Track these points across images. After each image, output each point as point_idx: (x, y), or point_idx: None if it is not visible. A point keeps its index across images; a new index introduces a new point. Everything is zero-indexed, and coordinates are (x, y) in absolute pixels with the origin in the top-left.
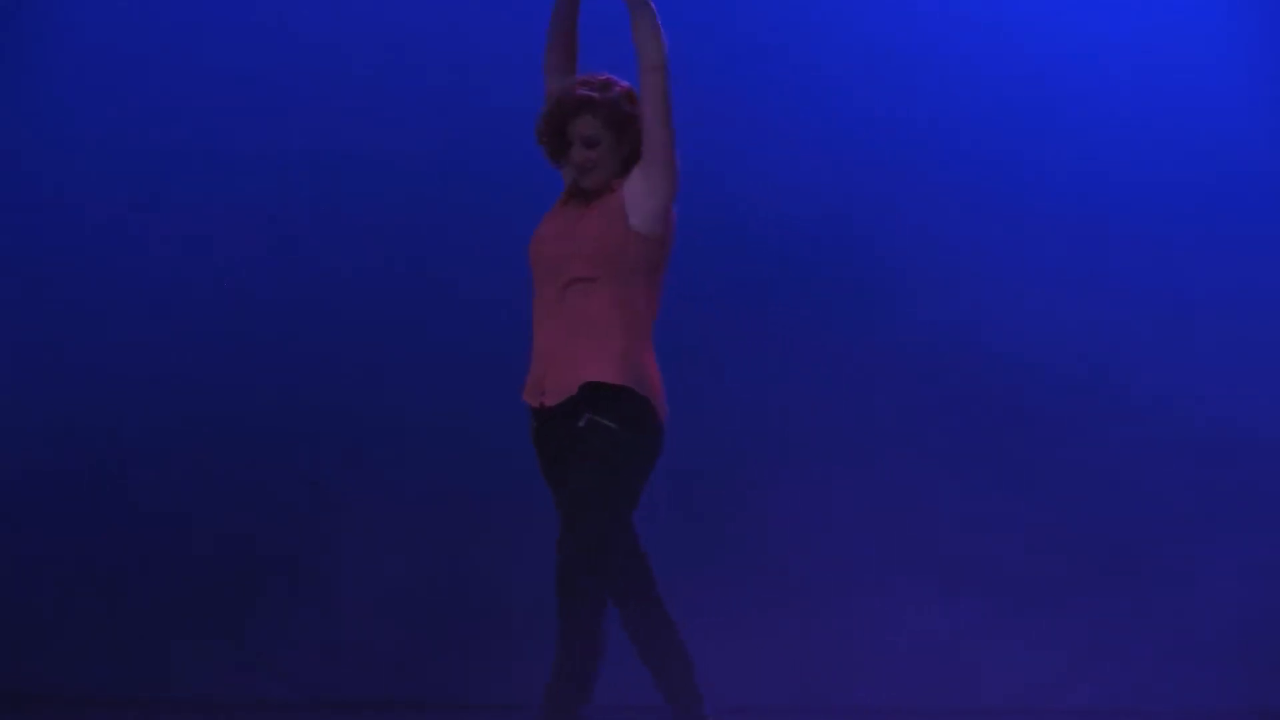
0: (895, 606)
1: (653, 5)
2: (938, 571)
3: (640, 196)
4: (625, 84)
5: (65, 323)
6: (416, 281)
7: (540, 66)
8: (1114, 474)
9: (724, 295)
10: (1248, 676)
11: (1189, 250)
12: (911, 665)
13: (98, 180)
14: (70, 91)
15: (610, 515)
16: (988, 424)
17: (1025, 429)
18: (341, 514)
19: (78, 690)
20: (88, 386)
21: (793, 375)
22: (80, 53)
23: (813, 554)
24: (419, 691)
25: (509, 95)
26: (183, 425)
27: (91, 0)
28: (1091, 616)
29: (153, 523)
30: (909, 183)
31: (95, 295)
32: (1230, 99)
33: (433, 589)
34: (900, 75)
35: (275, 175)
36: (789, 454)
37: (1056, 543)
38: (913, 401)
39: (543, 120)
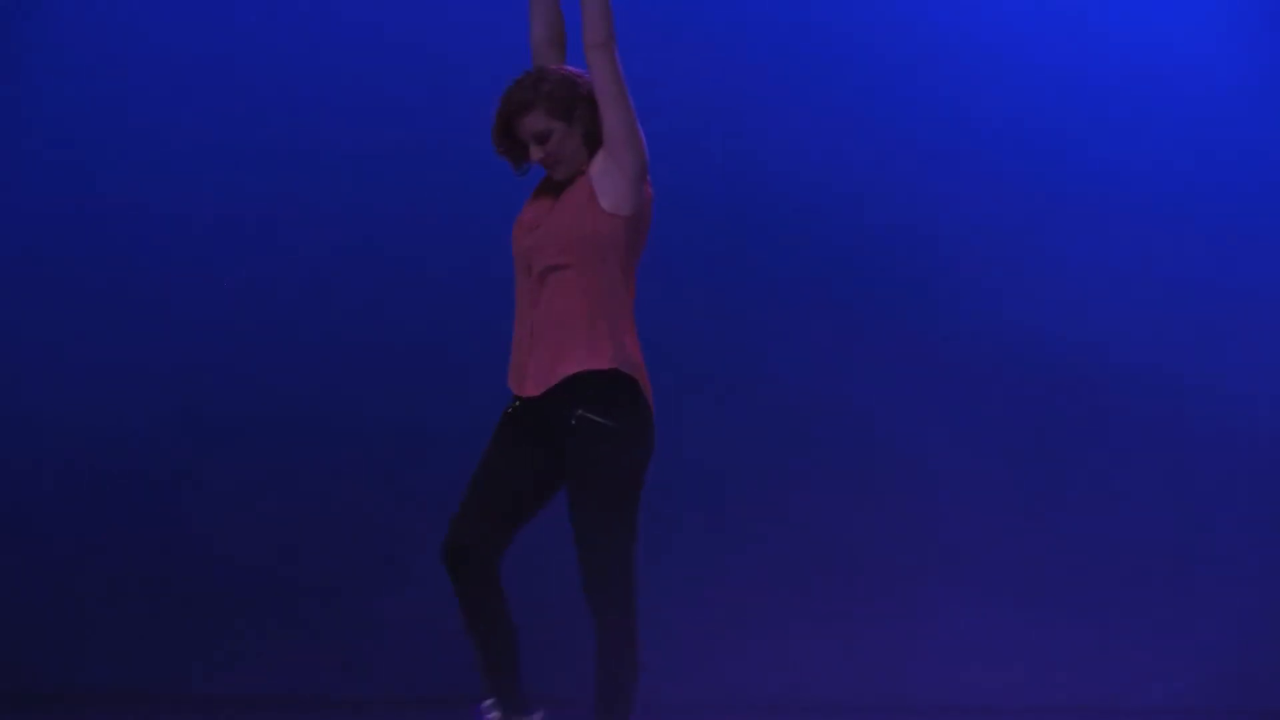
0: (923, 606)
1: None
2: (950, 568)
3: (606, 177)
4: (561, 70)
5: (66, 321)
6: (433, 281)
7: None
8: (1122, 471)
9: (782, 294)
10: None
11: (1252, 248)
12: (928, 663)
13: (100, 178)
14: (71, 90)
15: (628, 525)
16: (1029, 425)
17: (1051, 429)
18: (345, 513)
19: (83, 687)
20: (88, 385)
21: (844, 375)
22: (85, 49)
23: (854, 554)
24: (420, 690)
25: None
26: (187, 423)
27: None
28: (1102, 614)
29: (154, 523)
30: (969, 179)
31: (98, 293)
32: None
33: (436, 588)
34: (963, 70)
35: (282, 173)
36: (837, 454)
37: (1071, 544)
38: (950, 398)
39: (493, 135)
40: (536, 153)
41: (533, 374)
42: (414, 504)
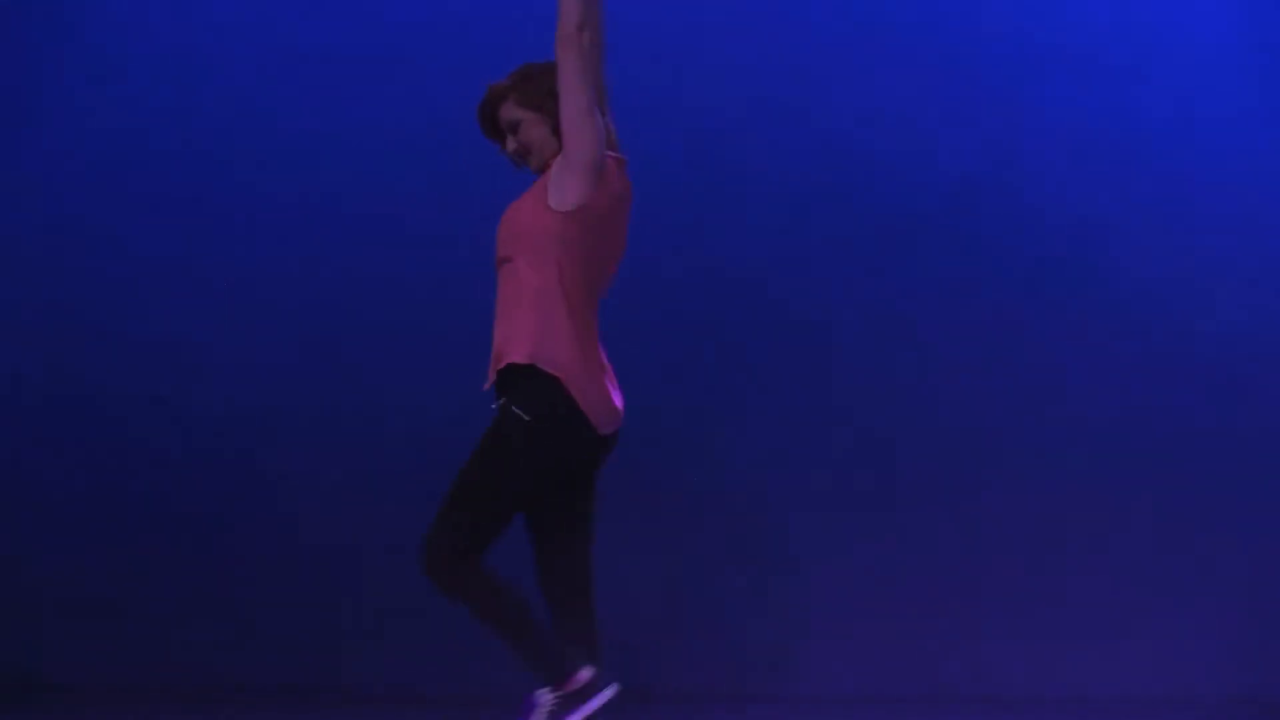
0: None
1: None
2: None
3: (558, 172)
4: (550, 63)
5: (72, 314)
6: (460, 277)
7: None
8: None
9: (946, 287)
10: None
11: None
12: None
13: (104, 175)
14: (76, 90)
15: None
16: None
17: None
18: (345, 511)
19: (88, 682)
20: (91, 382)
21: (1011, 366)
22: (101, 45)
23: (1030, 548)
24: (421, 689)
25: None
26: (190, 421)
27: None
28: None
29: (158, 521)
30: (1135, 169)
31: (105, 289)
32: None
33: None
34: (1129, 61)
35: (282, 173)
36: (1004, 447)
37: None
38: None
39: (482, 129)
40: (510, 143)
41: (490, 367)
42: (418, 503)
